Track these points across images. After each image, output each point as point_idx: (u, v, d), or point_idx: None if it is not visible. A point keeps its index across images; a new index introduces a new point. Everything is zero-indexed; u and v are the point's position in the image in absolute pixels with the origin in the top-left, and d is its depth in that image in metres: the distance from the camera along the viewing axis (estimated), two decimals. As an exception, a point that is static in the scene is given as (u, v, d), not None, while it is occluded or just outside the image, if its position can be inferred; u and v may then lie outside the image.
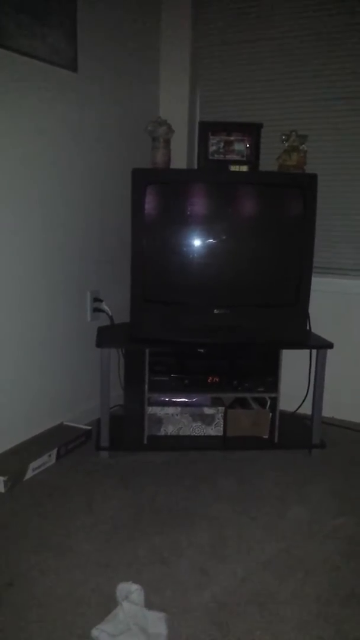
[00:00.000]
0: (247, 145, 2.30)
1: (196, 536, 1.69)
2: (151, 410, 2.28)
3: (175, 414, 2.31)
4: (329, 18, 2.48)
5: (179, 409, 2.31)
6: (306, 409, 2.44)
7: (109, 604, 1.36)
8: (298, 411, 2.60)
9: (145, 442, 2.26)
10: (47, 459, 2.10)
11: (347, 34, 2.46)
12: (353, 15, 2.43)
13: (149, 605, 1.36)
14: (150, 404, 2.28)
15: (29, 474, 2.01)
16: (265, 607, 1.39)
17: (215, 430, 2.33)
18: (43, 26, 2.02)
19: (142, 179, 2.08)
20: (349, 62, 2.48)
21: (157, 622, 1.29)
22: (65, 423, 2.37)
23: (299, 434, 2.40)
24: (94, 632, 1.26)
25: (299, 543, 1.67)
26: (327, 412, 2.40)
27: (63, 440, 2.20)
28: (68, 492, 1.93)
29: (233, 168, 2.29)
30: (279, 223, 2.20)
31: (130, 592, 1.37)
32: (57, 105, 2.16)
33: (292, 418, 2.56)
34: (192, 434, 2.33)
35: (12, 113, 1.97)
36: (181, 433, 2.32)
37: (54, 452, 2.13)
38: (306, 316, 2.27)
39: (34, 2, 1.97)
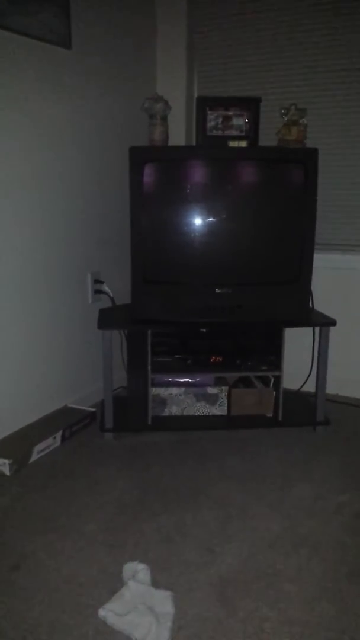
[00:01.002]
0: (246, 120, 2.25)
1: (202, 515, 1.70)
2: (155, 391, 2.28)
3: (179, 394, 2.30)
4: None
5: (182, 389, 2.30)
6: (310, 387, 2.44)
7: (115, 584, 1.37)
8: (302, 389, 2.59)
9: (149, 422, 2.26)
10: (52, 442, 2.10)
11: (348, 5, 2.39)
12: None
13: (156, 584, 1.37)
14: (154, 384, 2.27)
15: (34, 457, 2.01)
16: (271, 584, 1.40)
17: (219, 409, 2.33)
18: (36, 3, 1.97)
19: (139, 157, 2.05)
20: (352, 32, 2.41)
21: (163, 600, 1.31)
22: (69, 405, 2.38)
23: (303, 411, 2.40)
24: (101, 612, 1.27)
25: (304, 520, 1.68)
26: (331, 389, 2.40)
27: (67, 423, 2.21)
28: (73, 474, 1.94)
29: (232, 144, 2.25)
30: (280, 199, 2.16)
31: (137, 572, 1.38)
32: (51, 84, 2.12)
33: (296, 396, 2.56)
34: (196, 414, 2.33)
35: (6, 92, 1.93)
36: (185, 413, 2.32)
37: (59, 434, 2.14)
38: (309, 293, 2.24)
39: (24, -23, 1.92)
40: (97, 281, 2.48)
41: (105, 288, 2.51)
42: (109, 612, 1.26)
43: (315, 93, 2.51)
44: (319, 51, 2.49)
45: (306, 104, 2.32)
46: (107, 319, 2.25)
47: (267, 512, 1.72)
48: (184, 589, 1.38)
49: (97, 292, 2.49)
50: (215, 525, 1.65)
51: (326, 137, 2.49)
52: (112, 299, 2.52)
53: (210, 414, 2.33)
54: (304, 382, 2.57)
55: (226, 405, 2.33)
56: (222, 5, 2.63)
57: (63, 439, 2.15)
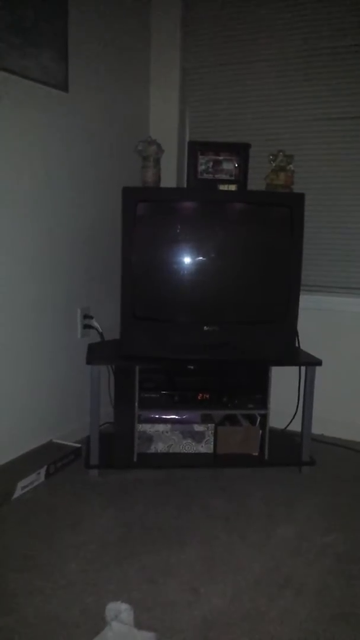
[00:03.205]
0: (236, 165, 2.33)
1: (186, 555, 1.68)
2: (141, 427, 2.28)
3: (166, 431, 2.30)
4: (318, 40, 2.54)
5: (169, 426, 2.30)
6: (296, 426, 2.45)
7: (98, 624, 1.35)
8: (288, 428, 2.60)
9: (135, 459, 2.25)
10: (36, 478, 2.08)
11: (336, 56, 2.52)
12: (342, 37, 2.49)
13: (139, 625, 1.34)
14: (141, 421, 2.27)
15: (18, 493, 1.99)
16: (254, 626, 1.39)
17: (205, 447, 2.33)
18: (34, 46, 2.06)
19: (132, 197, 2.10)
20: (337, 83, 2.53)
21: (146, 642, 1.28)
22: (54, 441, 2.36)
23: (288, 451, 2.40)
24: (82, 654, 1.24)
25: (289, 561, 1.67)
26: (317, 429, 2.41)
27: (52, 459, 2.19)
28: (57, 511, 1.91)
29: (222, 187, 2.32)
30: (268, 241, 2.22)
31: (120, 612, 1.35)
32: (47, 125, 2.19)
33: (281, 435, 2.57)
34: (182, 452, 2.32)
35: (3, 131, 1.99)
36: (171, 450, 2.32)
37: (43, 470, 2.11)
38: (295, 333, 2.28)
39: (25, 23, 2.01)
40: (86, 316, 2.50)
41: (95, 323, 2.53)
42: (90, 654, 1.24)
43: (303, 140, 2.61)
44: (307, 100, 2.60)
45: (294, 150, 2.41)
46: (95, 354, 2.26)
47: (252, 552, 1.71)
48: (168, 630, 1.36)
49: (86, 327, 2.51)
50: (200, 566, 1.63)
51: (314, 183, 2.58)
52: (101, 334, 2.54)
53: (196, 451, 2.33)
54: (290, 422, 2.58)
55: (212, 443, 2.33)
56: (214, 53, 2.75)
57: (47, 475, 2.13)
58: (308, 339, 2.44)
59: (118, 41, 2.56)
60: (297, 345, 2.35)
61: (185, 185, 2.65)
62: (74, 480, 2.14)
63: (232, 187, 2.32)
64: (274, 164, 2.31)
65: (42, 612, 1.41)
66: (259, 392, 2.29)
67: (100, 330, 2.53)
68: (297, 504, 2.03)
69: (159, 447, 2.31)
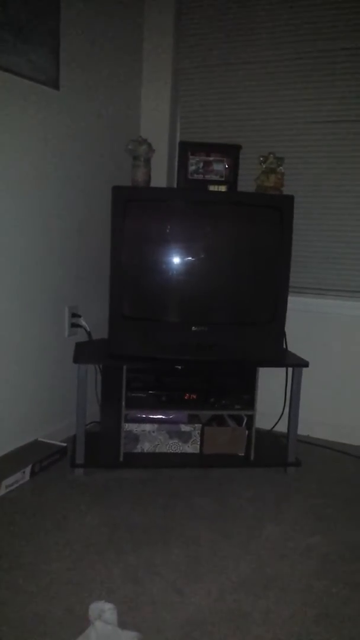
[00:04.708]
0: (226, 166, 2.33)
1: (171, 555, 1.68)
2: (128, 427, 2.27)
3: (152, 431, 2.30)
4: (310, 43, 2.55)
5: (155, 426, 2.30)
6: (282, 427, 2.46)
7: (81, 624, 1.34)
8: (274, 429, 2.61)
9: (121, 459, 2.24)
10: (21, 476, 2.07)
11: (328, 59, 2.53)
12: (334, 41, 2.51)
13: (123, 624, 1.34)
14: (127, 420, 2.27)
15: (2, 492, 1.97)
16: (238, 627, 1.39)
17: (191, 447, 2.33)
18: (25, 43, 2.04)
19: (122, 196, 2.10)
20: (328, 86, 2.55)
21: (130, 642, 1.28)
22: (40, 439, 2.35)
23: (274, 451, 2.41)
24: (66, 653, 1.24)
25: (273, 562, 1.67)
26: (303, 430, 2.42)
27: (37, 457, 2.17)
28: (41, 510, 1.90)
29: (212, 188, 2.33)
30: (257, 243, 2.23)
31: (103, 612, 1.35)
32: (38, 122, 2.18)
33: (268, 436, 2.57)
34: (168, 452, 2.32)
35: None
36: (157, 450, 2.31)
37: (28, 469, 2.10)
38: (282, 335, 2.29)
39: (16, 20, 2.00)
40: (74, 315, 2.49)
41: (82, 322, 2.52)
42: (73, 654, 1.23)
43: (294, 142, 2.62)
44: (299, 103, 2.61)
45: (285, 152, 2.42)
46: (83, 353, 2.25)
47: (237, 552, 1.71)
48: (152, 630, 1.36)
49: (74, 325, 2.50)
50: (185, 565, 1.63)
51: (304, 185, 2.59)
52: (88, 333, 2.53)
53: (182, 451, 2.33)
54: (276, 422, 2.59)
55: (199, 443, 2.33)
56: (207, 55, 2.75)
57: (32, 473, 2.12)
58: (296, 340, 2.45)
59: (111, 40, 2.55)
60: (284, 346, 2.36)
61: (175, 186, 2.65)
62: (59, 479, 2.13)
63: (222, 188, 2.33)
64: (264, 166, 2.32)
65: (26, 611, 1.40)
66: (246, 393, 2.30)
67: (88, 329, 2.53)
68: (283, 505, 2.03)
69: (146, 446, 2.30)
